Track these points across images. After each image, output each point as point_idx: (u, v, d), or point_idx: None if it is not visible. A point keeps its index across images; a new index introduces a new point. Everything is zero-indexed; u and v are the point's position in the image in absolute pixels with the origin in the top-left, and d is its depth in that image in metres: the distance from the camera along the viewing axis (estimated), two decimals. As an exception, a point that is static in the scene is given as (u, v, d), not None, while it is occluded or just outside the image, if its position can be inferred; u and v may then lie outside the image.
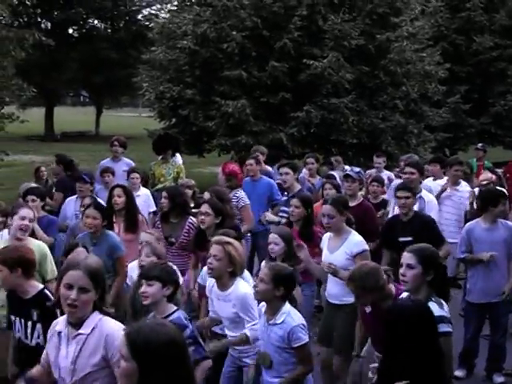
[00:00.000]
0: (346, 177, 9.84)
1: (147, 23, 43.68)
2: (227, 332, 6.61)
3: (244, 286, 6.45)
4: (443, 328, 5.26)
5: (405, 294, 5.90)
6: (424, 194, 9.77)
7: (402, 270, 5.80)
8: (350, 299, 7.21)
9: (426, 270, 5.69)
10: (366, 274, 5.95)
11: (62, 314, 4.67)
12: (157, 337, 3.50)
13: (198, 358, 5.50)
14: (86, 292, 4.37)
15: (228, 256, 6.35)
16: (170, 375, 3.46)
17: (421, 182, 10.38)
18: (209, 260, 6.44)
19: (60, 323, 4.56)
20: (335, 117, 20.04)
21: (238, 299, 6.34)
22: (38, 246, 7.34)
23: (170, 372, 3.46)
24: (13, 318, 6.17)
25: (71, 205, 10.33)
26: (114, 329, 4.35)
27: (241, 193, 10.35)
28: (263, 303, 6.04)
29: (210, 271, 6.47)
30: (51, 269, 7.34)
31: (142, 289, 5.69)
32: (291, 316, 5.83)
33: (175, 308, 5.74)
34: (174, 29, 21.88)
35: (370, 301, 6.05)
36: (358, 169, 10.70)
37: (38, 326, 5.97)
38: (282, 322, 5.81)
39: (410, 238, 7.64)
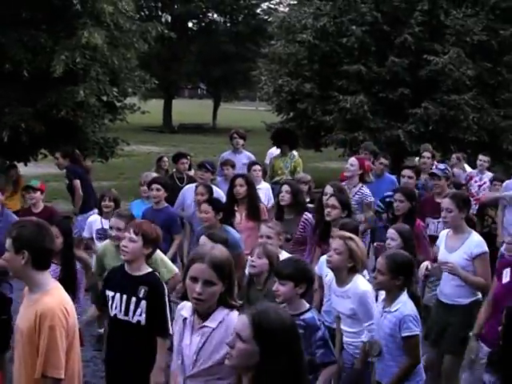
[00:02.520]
0: (432, 175, 9.69)
1: (266, 17, 43.96)
2: (344, 327, 6.57)
3: (363, 282, 6.40)
4: None
5: None
6: None
7: None
8: (465, 300, 7.14)
9: None
10: None
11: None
12: (281, 321, 3.50)
13: (326, 362, 5.43)
14: (212, 285, 4.27)
15: (349, 251, 6.31)
16: (291, 361, 3.44)
17: None
18: (329, 253, 6.44)
19: (186, 308, 4.50)
20: (455, 114, 19.64)
21: (356, 296, 6.30)
22: None
23: (291, 357, 3.45)
24: (111, 293, 6.20)
25: (190, 192, 10.44)
26: None
27: (366, 190, 10.30)
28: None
29: (328, 264, 6.46)
30: (168, 269, 7.36)
31: (275, 287, 5.63)
32: (405, 305, 5.82)
33: (308, 307, 5.65)
34: (294, 22, 21.89)
35: None
36: (443, 166, 10.50)
37: (143, 303, 6.03)
38: (396, 310, 5.81)
39: None
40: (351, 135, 19.67)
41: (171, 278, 7.29)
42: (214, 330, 4.34)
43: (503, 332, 4.74)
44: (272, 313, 3.54)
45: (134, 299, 6.04)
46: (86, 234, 9.33)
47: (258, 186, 10.74)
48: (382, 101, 19.99)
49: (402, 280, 5.85)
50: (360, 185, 10.31)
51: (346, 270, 6.37)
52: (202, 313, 4.39)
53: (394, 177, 11.64)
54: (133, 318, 6.05)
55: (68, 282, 6.60)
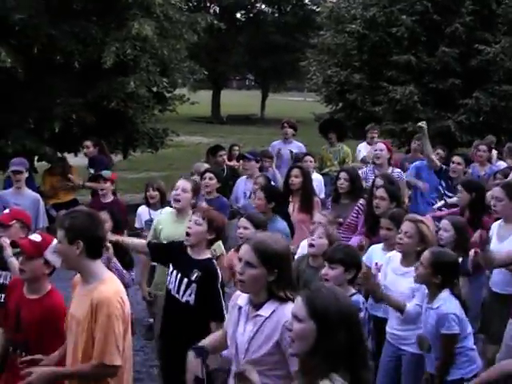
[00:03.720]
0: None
1: (314, 7, 43.80)
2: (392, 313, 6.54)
3: None
4: None
5: None
6: None
7: None
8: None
9: None
10: None
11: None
12: (335, 298, 3.51)
13: None
14: (252, 267, 4.32)
15: (420, 234, 6.34)
16: (348, 336, 3.44)
17: None
18: (399, 236, 6.44)
19: (242, 298, 4.55)
20: (507, 104, 19.36)
21: None
22: None
23: (348, 333, 3.44)
24: (171, 268, 6.42)
25: (242, 184, 10.51)
26: None
27: (398, 170, 10.71)
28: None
29: (398, 246, 6.47)
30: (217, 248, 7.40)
31: (324, 271, 5.74)
32: (447, 303, 5.79)
33: (354, 291, 5.76)
34: (343, 13, 21.80)
35: None
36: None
37: (193, 285, 6.18)
38: (437, 307, 5.79)
39: None
40: (401, 126, 19.51)
41: (218, 256, 7.35)
42: (266, 319, 4.36)
43: None
44: (325, 291, 3.57)
45: (185, 280, 6.23)
46: (137, 225, 9.47)
47: None
48: (432, 91, 19.80)
49: (441, 279, 5.80)
50: (391, 168, 10.38)
51: (414, 253, 6.37)
52: (255, 302, 4.43)
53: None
54: (182, 297, 6.23)
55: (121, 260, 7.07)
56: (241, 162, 11.41)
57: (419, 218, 6.63)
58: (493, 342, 7.27)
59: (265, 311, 4.38)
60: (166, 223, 7.70)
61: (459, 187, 8.43)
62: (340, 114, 21.45)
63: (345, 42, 21.29)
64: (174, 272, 6.37)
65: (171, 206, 7.97)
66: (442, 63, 19.49)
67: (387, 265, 6.70)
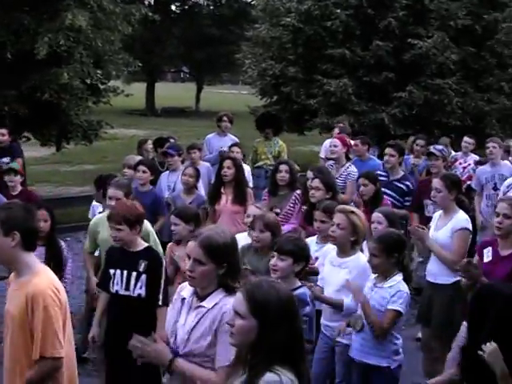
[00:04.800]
0: (429, 155, 9.75)
1: (249, 0, 43.78)
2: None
3: (365, 259, 6.45)
4: None
5: None
6: None
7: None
8: (449, 279, 7.17)
9: None
10: None
11: None
12: (276, 293, 3.52)
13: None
14: (201, 264, 4.34)
15: (352, 225, 6.40)
16: (289, 331, 3.46)
17: None
18: (332, 228, 6.51)
19: (186, 289, 4.57)
20: (439, 98, 19.66)
21: (357, 268, 6.36)
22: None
23: (289, 328, 3.46)
24: (112, 271, 6.44)
25: (164, 178, 10.61)
26: None
27: (353, 168, 10.43)
28: None
29: (332, 239, 6.54)
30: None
31: (273, 261, 5.73)
32: (402, 284, 5.95)
33: (300, 284, 5.77)
34: (278, 6, 21.81)
35: None
36: (441, 146, 10.57)
37: (143, 276, 6.29)
38: (391, 286, 5.93)
39: None
40: (335, 118, 19.63)
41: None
42: (208, 310, 4.38)
43: (469, 314, 4.74)
44: (266, 286, 3.57)
45: (134, 274, 6.32)
46: (90, 215, 9.45)
47: None
48: (366, 84, 19.99)
49: (397, 257, 5.95)
50: (347, 164, 10.43)
51: (349, 244, 6.46)
52: (201, 294, 4.44)
53: (378, 161, 11.65)
54: (134, 291, 6.32)
55: (55, 262, 7.06)
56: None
57: (350, 208, 6.71)
58: (426, 325, 7.55)
59: (208, 303, 4.40)
60: (103, 228, 7.63)
61: (361, 180, 8.78)
62: (275, 107, 21.47)
63: (280, 35, 21.30)
64: (118, 272, 6.41)
65: None
66: (376, 57, 19.69)
67: (324, 257, 6.76)
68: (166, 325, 4.69)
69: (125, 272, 6.37)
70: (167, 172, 10.69)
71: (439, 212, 7.69)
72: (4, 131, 12.39)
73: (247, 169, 11.58)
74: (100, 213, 8.81)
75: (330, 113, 19.88)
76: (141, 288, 6.32)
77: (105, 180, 8.86)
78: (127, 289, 6.36)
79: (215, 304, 4.37)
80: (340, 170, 10.25)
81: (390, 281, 5.96)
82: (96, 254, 8.04)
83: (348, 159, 10.76)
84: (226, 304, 4.29)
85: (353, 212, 6.53)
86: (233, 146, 11.77)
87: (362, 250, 6.67)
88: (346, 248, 6.48)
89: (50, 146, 17.00)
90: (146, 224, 7.32)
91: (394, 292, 5.89)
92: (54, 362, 4.59)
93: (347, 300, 6.29)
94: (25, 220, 4.65)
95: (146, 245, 6.53)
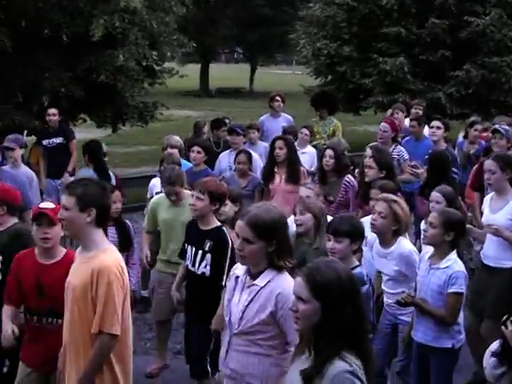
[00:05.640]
0: (494, 132, 9.48)
1: (303, -21, 43.49)
2: (386, 289, 6.59)
3: (407, 243, 6.42)
4: None
5: None
6: None
7: None
8: (509, 263, 7.04)
9: None
10: None
11: None
12: (336, 273, 3.50)
13: None
14: (250, 243, 4.36)
15: (393, 214, 6.30)
16: (352, 311, 3.45)
17: None
18: (373, 216, 6.43)
19: (240, 268, 4.61)
20: (496, 76, 19.40)
21: (402, 257, 6.29)
22: None
23: (352, 308, 3.45)
24: (186, 245, 6.75)
25: (225, 158, 10.54)
26: (289, 285, 4.15)
27: (401, 148, 10.46)
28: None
29: (372, 227, 6.44)
30: None
31: (330, 245, 5.66)
32: (457, 263, 5.84)
33: (358, 263, 5.73)
34: (332, -16, 21.68)
35: None
36: (507, 127, 10.30)
37: (208, 256, 6.47)
38: (447, 267, 5.82)
39: None
40: (391, 97, 19.46)
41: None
42: (261, 288, 4.42)
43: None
44: (324, 267, 3.55)
45: (200, 252, 6.52)
46: (148, 196, 9.55)
47: (304, 150, 11.10)
48: (422, 63, 19.80)
49: (453, 236, 5.83)
50: (394, 145, 10.39)
51: (390, 233, 6.37)
52: (253, 272, 4.48)
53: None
54: (198, 269, 6.54)
55: (124, 242, 7.48)
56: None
57: (393, 197, 6.57)
58: (476, 312, 7.35)
59: (260, 281, 4.43)
60: (162, 207, 7.79)
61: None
62: (329, 87, 21.39)
63: (334, 14, 21.20)
64: (189, 247, 6.66)
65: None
66: (432, 35, 19.48)
67: (373, 243, 6.71)
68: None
69: (193, 249, 6.58)
70: (228, 152, 10.63)
71: (491, 194, 7.50)
72: (55, 111, 12.46)
73: (313, 151, 11.54)
74: (158, 193, 8.88)
75: (385, 92, 19.74)
76: (205, 267, 6.47)
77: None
78: (193, 265, 6.58)
79: (268, 282, 4.40)
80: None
81: (445, 261, 5.87)
82: None
83: (395, 142, 10.69)
84: (278, 284, 4.35)
85: (395, 201, 6.41)
86: (303, 127, 11.73)
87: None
88: (388, 237, 6.40)
89: (106, 127, 17.11)
90: None
91: (450, 273, 5.80)
92: (111, 338, 4.65)
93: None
94: (101, 197, 4.73)
95: (217, 225, 6.62)
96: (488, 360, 4.69)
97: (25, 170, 9.98)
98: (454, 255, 5.88)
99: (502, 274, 7.16)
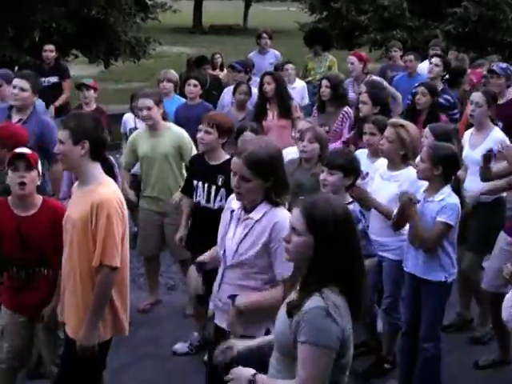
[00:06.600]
0: (491, 72, 9.35)
1: None
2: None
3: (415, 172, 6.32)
4: None
5: None
6: None
7: None
8: (489, 197, 7.12)
9: None
10: None
11: None
12: (333, 209, 3.44)
13: (365, 254, 5.39)
14: (247, 181, 4.34)
15: (400, 139, 6.28)
16: (347, 249, 3.42)
17: None
18: (381, 141, 6.44)
19: (235, 202, 4.57)
20: (494, 14, 19.15)
21: (408, 180, 6.23)
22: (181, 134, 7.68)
23: (347, 246, 3.42)
24: (195, 182, 6.67)
25: (228, 94, 10.41)
26: (285, 217, 4.22)
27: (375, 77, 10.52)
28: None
29: (381, 152, 6.48)
30: None
31: (323, 176, 5.65)
32: (451, 196, 5.80)
33: (351, 200, 5.69)
34: None
35: None
36: (504, 64, 10.14)
37: (222, 190, 6.44)
38: (441, 199, 5.78)
39: None
40: (388, 33, 19.23)
41: None
42: (256, 221, 4.41)
43: None
44: (322, 202, 3.49)
45: (213, 187, 6.52)
46: (122, 131, 9.46)
47: (292, 85, 10.99)
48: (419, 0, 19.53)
49: (442, 170, 5.77)
50: (368, 77, 10.46)
51: (398, 158, 6.36)
52: (248, 206, 4.47)
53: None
54: (214, 204, 6.50)
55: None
56: (225, 71, 11.31)
57: (400, 122, 6.56)
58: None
59: (255, 214, 4.42)
60: (143, 140, 7.68)
61: (423, 89, 8.50)
62: (324, 23, 21.15)
63: None
64: (200, 184, 6.61)
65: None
66: (430, -30, 19.17)
67: (375, 172, 6.67)
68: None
69: (206, 185, 6.56)
70: (231, 88, 10.42)
71: (471, 129, 7.51)
72: (52, 47, 12.26)
73: (303, 84, 11.62)
74: (132, 129, 8.83)
75: (381, 29, 19.51)
76: (221, 201, 6.40)
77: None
78: (208, 201, 6.55)
79: (263, 215, 4.39)
80: (362, 87, 9.96)
81: (438, 194, 5.83)
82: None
83: (365, 74, 10.76)
84: (275, 214, 4.36)
85: (402, 126, 6.39)
86: (287, 63, 11.66)
87: None
88: (396, 162, 6.39)
89: (98, 63, 16.93)
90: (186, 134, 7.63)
91: (443, 204, 5.77)
92: (112, 271, 4.66)
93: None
94: (94, 130, 4.71)
95: (227, 157, 6.51)
96: (509, 310, 4.71)
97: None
98: (447, 189, 5.84)
99: (482, 208, 7.15)
